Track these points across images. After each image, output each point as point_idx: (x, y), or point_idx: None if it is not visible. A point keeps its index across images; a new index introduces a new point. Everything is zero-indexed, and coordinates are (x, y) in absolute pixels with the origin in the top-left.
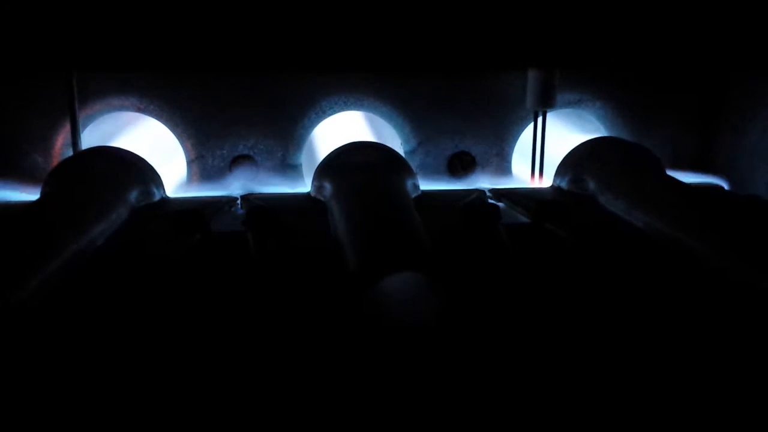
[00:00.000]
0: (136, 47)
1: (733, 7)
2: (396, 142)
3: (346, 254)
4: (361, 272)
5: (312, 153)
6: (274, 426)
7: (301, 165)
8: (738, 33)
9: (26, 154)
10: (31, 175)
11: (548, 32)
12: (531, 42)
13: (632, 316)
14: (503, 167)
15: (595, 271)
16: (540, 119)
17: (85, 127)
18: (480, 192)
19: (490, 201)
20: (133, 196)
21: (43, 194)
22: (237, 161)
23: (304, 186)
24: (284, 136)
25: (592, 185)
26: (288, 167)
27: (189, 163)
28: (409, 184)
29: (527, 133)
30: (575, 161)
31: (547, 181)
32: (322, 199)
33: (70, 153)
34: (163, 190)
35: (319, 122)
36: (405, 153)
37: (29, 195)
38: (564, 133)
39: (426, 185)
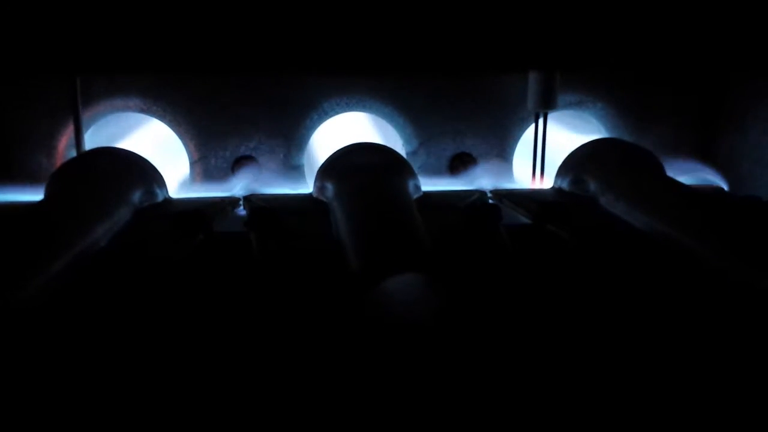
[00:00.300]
0: (140, 49)
1: (733, 8)
2: (397, 143)
3: (348, 255)
4: (362, 273)
5: (313, 154)
6: (276, 426)
7: (303, 166)
8: (738, 33)
9: (30, 155)
10: (34, 176)
11: (549, 34)
12: (532, 43)
13: (633, 316)
14: (504, 168)
15: (596, 271)
16: (541, 121)
17: (88, 128)
18: (481, 193)
19: (491, 202)
20: (137, 196)
21: (46, 194)
22: (240, 162)
23: (306, 187)
24: (286, 137)
25: (592, 186)
26: (290, 168)
27: (192, 164)
28: (410, 185)
29: (528, 135)
30: (576, 162)
31: (548, 183)
32: (324, 199)
33: (74, 154)
34: (166, 190)
35: (321, 123)
36: (406, 154)
37: (33, 195)
38: (566, 135)
39: (427, 186)
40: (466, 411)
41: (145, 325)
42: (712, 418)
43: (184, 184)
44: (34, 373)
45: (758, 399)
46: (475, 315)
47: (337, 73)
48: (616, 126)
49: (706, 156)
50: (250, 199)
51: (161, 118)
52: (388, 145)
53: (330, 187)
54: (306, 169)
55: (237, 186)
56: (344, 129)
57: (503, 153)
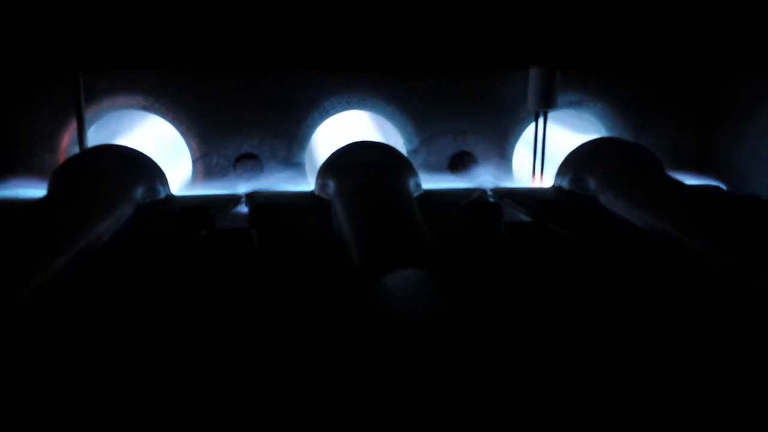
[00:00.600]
0: (142, 46)
1: (732, 8)
2: (398, 142)
3: (349, 251)
4: (364, 269)
5: (315, 152)
6: (279, 421)
7: (304, 164)
8: (736, 34)
9: (33, 151)
10: (37, 173)
11: (549, 32)
12: (532, 42)
13: (633, 314)
14: (505, 167)
15: (596, 269)
16: (541, 120)
17: (91, 125)
18: (482, 191)
19: (492, 200)
20: (139, 193)
21: (49, 191)
22: (241, 160)
23: (308, 185)
24: (288, 135)
25: (592, 185)
26: (291, 166)
27: (194, 161)
28: (411, 183)
29: (528, 134)
30: (576, 161)
31: (548, 181)
32: (325, 197)
33: (76, 151)
34: (168, 187)
35: (323, 122)
36: (407, 152)
37: (36, 191)
38: (566, 134)
39: (428, 184)
40: (466, 406)
41: (148, 320)
42: (712, 416)
43: (186, 182)
44: (39, 367)
45: (758, 397)
46: (476, 311)
47: (338, 71)
48: (615, 125)
49: (705, 155)
50: (252, 197)
51: (163, 115)
52: (389, 143)
53: (331, 184)
54: (307, 167)
55: (239, 183)
56: (345, 127)
57: (503, 152)
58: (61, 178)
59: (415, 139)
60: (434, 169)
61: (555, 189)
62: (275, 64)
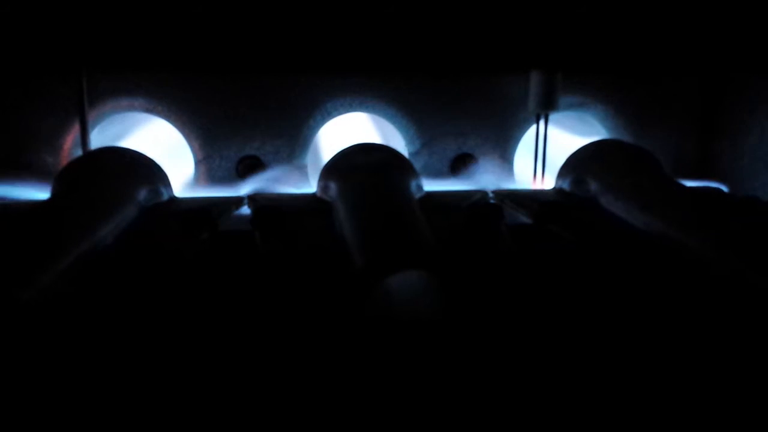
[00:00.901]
0: (146, 48)
1: (733, 11)
2: (400, 144)
3: (351, 253)
4: (366, 270)
5: (317, 154)
6: (282, 422)
7: (306, 165)
8: (737, 37)
9: (36, 153)
10: (41, 174)
11: (551, 35)
12: (534, 45)
13: (634, 316)
14: (506, 169)
15: (597, 271)
16: (542, 122)
17: (94, 127)
18: (483, 193)
19: (493, 202)
20: (142, 195)
21: (53, 192)
22: (243, 161)
23: (310, 186)
24: (290, 137)
25: (593, 187)
26: (294, 168)
27: (197, 163)
28: (413, 184)
29: (530, 136)
30: (577, 163)
31: (549, 183)
32: (327, 199)
33: (80, 153)
34: (171, 189)
35: (325, 123)
36: (409, 154)
37: (39, 193)
38: (566, 136)
39: (429, 186)
40: (468, 407)
41: (151, 322)
42: (712, 417)
43: (189, 183)
44: (44, 367)
45: (758, 397)
46: (477, 313)
47: (340, 73)
48: (616, 127)
49: (706, 157)
50: (255, 198)
51: (166, 117)
52: (391, 145)
53: (333, 186)
54: (309, 169)
55: (241, 185)
56: (347, 129)
57: (505, 154)
58: (65, 180)
59: (416, 141)
60: (436, 171)
61: (556, 191)
62: (277, 66)
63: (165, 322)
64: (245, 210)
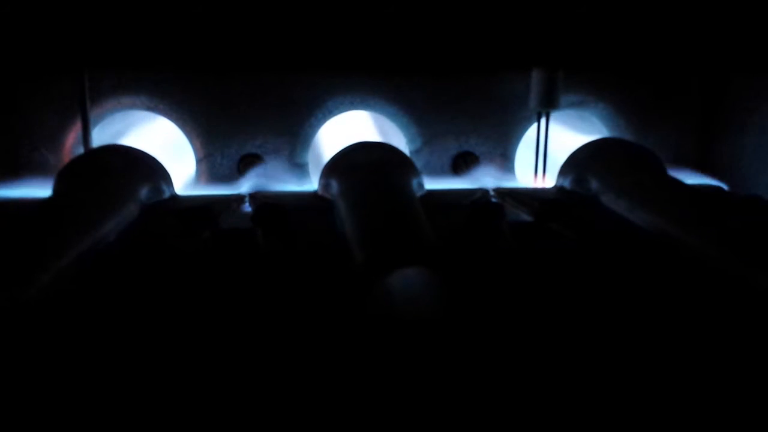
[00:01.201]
0: (147, 47)
1: (735, 9)
2: (401, 142)
3: (352, 250)
4: (367, 267)
5: (318, 152)
6: (283, 420)
7: (307, 164)
8: (738, 36)
9: (38, 152)
10: (42, 173)
11: (553, 34)
12: (535, 43)
13: (634, 314)
14: (507, 167)
15: (598, 269)
16: (543, 120)
17: (95, 125)
18: (484, 191)
19: (494, 200)
20: (144, 193)
21: (55, 190)
22: (245, 160)
23: (311, 184)
24: (291, 135)
25: (594, 185)
26: (295, 166)
27: (198, 161)
28: (414, 183)
29: (531, 134)
30: (578, 162)
31: (550, 182)
32: (328, 197)
33: (81, 150)
34: (173, 187)
35: (326, 122)
36: (410, 152)
37: (40, 191)
38: (568, 134)
39: (431, 184)
40: (469, 405)
41: (153, 319)
42: (713, 416)
43: (190, 181)
44: (46, 365)
45: (759, 397)
46: (478, 310)
47: (341, 71)
48: (617, 125)
49: (706, 156)
50: (256, 196)
51: (168, 116)
52: (392, 143)
53: (334, 184)
54: (311, 167)
55: (242, 183)
56: (348, 128)
57: (506, 152)
58: (67, 178)
59: (417, 139)
60: (437, 169)
61: (557, 189)
62: (279, 65)
63: (167, 320)
64: (246, 208)
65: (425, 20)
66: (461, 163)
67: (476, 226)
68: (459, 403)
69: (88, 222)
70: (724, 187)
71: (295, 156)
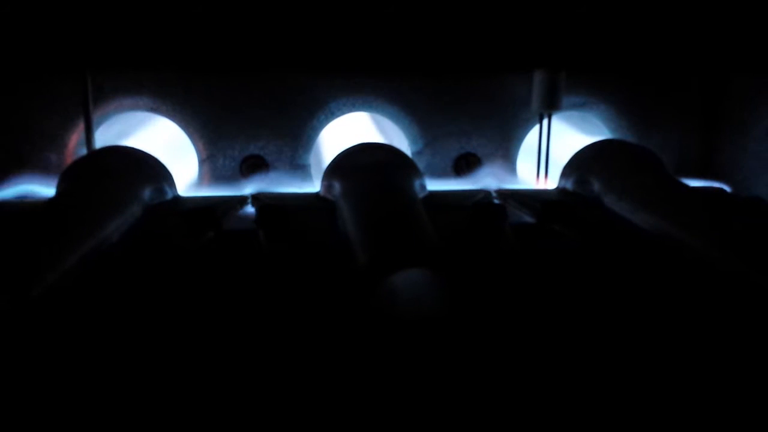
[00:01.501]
0: (150, 47)
1: (737, 10)
2: (403, 143)
3: (355, 251)
4: (369, 268)
5: (320, 153)
6: (285, 419)
7: (310, 165)
8: (739, 36)
9: (41, 152)
10: (45, 173)
11: (555, 35)
12: (537, 44)
13: (637, 315)
14: (509, 168)
15: (600, 270)
16: (545, 122)
17: (98, 126)
18: (486, 192)
19: (496, 201)
20: (146, 194)
21: (58, 191)
22: (248, 161)
23: (313, 186)
24: (293, 136)
25: (596, 186)
26: (297, 167)
27: (200, 162)
28: (416, 184)
29: (533, 135)
30: (580, 163)
31: (552, 183)
32: (330, 198)
33: (84, 151)
34: (176, 188)
35: (328, 123)
36: (412, 154)
37: (44, 192)
38: (570, 136)
39: (433, 186)
40: (470, 405)
41: (156, 319)
42: (714, 416)
43: (192, 183)
44: (52, 363)
45: (760, 397)
46: (481, 311)
47: (343, 73)
48: (619, 127)
49: (709, 157)
50: (258, 198)
51: (170, 117)
52: (394, 145)
53: (337, 185)
54: (313, 169)
55: (245, 184)
56: (351, 129)
57: (508, 153)
58: (70, 179)
59: (419, 140)
60: (439, 170)
61: (559, 190)
62: (281, 65)
63: (170, 320)
64: (249, 209)
65: (427, 21)
66: (463, 165)
67: (478, 227)
68: (461, 403)
69: (91, 223)
70: (727, 188)
71: (297, 157)
